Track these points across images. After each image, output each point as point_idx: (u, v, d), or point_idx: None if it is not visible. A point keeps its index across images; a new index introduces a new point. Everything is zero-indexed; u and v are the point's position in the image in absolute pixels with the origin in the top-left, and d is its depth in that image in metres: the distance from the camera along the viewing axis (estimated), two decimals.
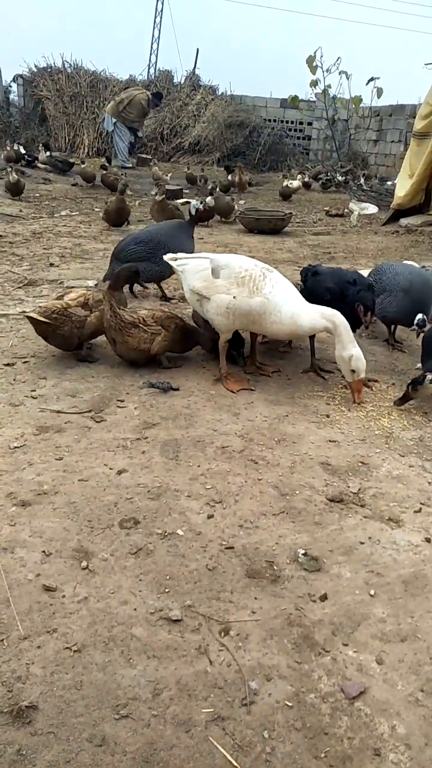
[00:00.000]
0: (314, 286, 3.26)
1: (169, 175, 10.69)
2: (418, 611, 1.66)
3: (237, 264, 2.89)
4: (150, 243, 3.90)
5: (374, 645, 1.54)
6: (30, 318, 2.90)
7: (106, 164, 10.65)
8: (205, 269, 2.94)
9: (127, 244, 4.03)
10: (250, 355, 3.25)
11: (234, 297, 2.82)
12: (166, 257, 3.25)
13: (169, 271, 3.67)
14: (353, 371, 2.78)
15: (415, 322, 3.23)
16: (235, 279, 2.84)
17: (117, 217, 6.63)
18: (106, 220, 6.70)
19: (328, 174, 12.46)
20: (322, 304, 2.91)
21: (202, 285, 2.94)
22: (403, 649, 1.53)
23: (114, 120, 12.49)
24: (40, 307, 3.01)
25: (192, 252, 3.79)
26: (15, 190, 7.93)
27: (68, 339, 3.01)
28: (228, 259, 2.97)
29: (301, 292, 3.11)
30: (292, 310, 2.78)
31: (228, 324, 2.90)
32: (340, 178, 12.15)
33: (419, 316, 3.21)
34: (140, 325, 2.95)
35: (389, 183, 11.00)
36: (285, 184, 10.29)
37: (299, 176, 11.69)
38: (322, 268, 3.37)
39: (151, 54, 20.07)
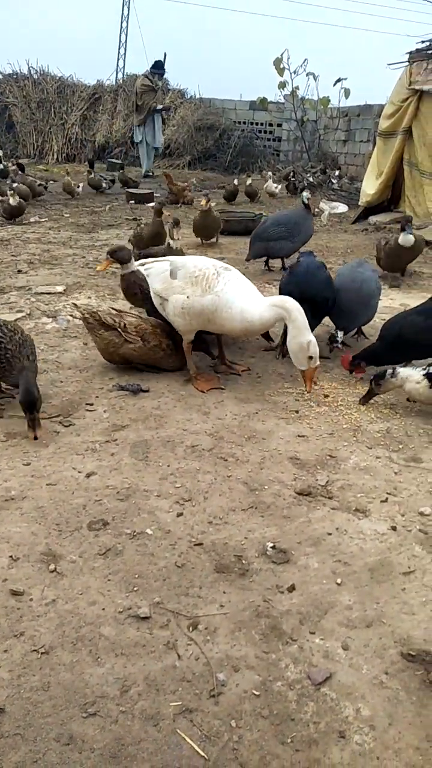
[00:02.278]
0: (281, 285, 3.29)
1: (81, 185, 9.82)
2: (384, 597, 1.69)
3: (192, 264, 2.91)
4: (288, 224, 4.68)
5: (340, 632, 1.57)
6: None
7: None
8: (165, 271, 2.96)
9: (268, 226, 4.80)
10: (219, 355, 3.27)
11: (188, 296, 2.83)
12: (137, 263, 3.30)
13: (300, 246, 4.90)
14: (311, 358, 2.68)
15: (329, 337, 3.27)
16: (189, 279, 2.85)
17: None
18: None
19: (295, 176, 12.17)
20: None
21: (162, 287, 2.97)
22: (368, 634, 1.57)
23: (140, 127, 12.37)
24: None
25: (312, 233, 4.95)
26: (16, 213, 7.03)
27: None
28: (185, 260, 3.00)
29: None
30: (242, 306, 2.75)
31: (186, 324, 2.91)
32: (311, 179, 11.83)
33: (333, 332, 3.26)
34: (117, 329, 2.97)
35: (360, 184, 11.02)
36: (248, 183, 9.79)
37: (275, 182, 10.73)
38: (301, 264, 3.33)
39: (118, 59, 20.05)
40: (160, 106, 12.37)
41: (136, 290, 3.31)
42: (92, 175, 10.22)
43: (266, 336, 3.46)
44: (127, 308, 3.63)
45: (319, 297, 3.10)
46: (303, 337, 2.65)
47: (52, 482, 2.13)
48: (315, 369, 2.75)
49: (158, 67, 12.45)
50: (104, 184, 10.09)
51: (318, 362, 2.74)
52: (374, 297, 3.36)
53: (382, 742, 1.29)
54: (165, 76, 14.00)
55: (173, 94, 16.49)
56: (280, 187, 10.35)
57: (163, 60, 12.42)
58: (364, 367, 3.07)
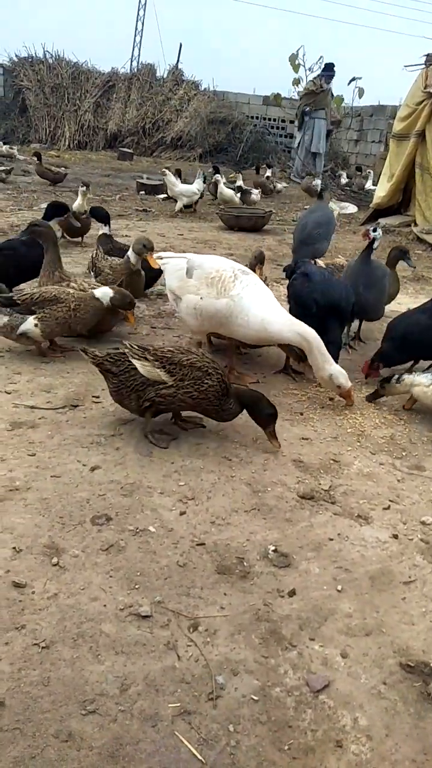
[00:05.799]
0: (301, 293, 3.13)
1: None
2: (384, 606, 1.69)
3: (209, 264, 2.85)
4: (329, 224, 4.76)
5: (340, 639, 1.57)
6: None
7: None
8: (182, 269, 2.92)
9: (311, 229, 4.72)
10: (228, 363, 3.23)
11: (201, 298, 2.78)
12: (154, 256, 3.25)
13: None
14: (339, 386, 2.73)
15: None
16: (205, 279, 2.79)
17: None
18: None
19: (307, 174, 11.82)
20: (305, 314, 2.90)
21: (177, 285, 2.93)
22: (367, 642, 1.57)
23: (299, 130, 12.55)
24: None
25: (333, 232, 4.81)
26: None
27: None
28: (203, 259, 2.94)
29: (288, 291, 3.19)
30: (262, 316, 2.68)
31: (197, 325, 2.89)
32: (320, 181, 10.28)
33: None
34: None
35: (371, 185, 10.76)
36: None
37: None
38: (313, 272, 3.23)
39: (134, 47, 19.89)
40: (307, 108, 12.28)
41: None
42: None
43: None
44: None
45: (344, 303, 3.05)
46: (324, 371, 2.70)
47: (56, 474, 2.13)
48: (349, 389, 2.77)
49: (329, 69, 12.03)
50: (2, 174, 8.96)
51: (349, 383, 2.74)
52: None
53: (379, 753, 1.29)
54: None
55: (187, 86, 16.40)
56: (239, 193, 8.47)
57: (178, 51, 12.42)
58: (379, 368, 3.09)
